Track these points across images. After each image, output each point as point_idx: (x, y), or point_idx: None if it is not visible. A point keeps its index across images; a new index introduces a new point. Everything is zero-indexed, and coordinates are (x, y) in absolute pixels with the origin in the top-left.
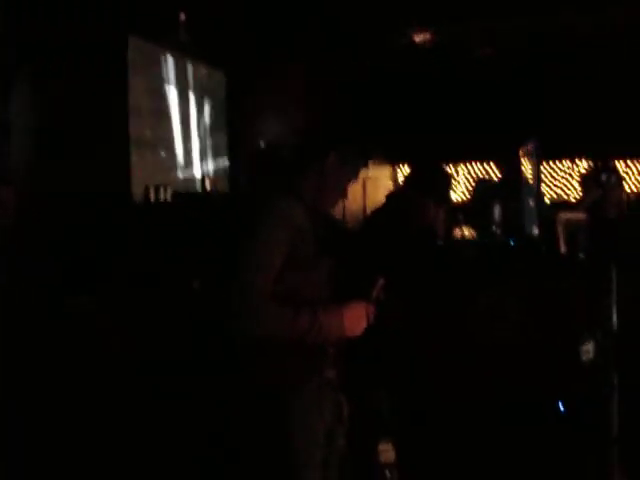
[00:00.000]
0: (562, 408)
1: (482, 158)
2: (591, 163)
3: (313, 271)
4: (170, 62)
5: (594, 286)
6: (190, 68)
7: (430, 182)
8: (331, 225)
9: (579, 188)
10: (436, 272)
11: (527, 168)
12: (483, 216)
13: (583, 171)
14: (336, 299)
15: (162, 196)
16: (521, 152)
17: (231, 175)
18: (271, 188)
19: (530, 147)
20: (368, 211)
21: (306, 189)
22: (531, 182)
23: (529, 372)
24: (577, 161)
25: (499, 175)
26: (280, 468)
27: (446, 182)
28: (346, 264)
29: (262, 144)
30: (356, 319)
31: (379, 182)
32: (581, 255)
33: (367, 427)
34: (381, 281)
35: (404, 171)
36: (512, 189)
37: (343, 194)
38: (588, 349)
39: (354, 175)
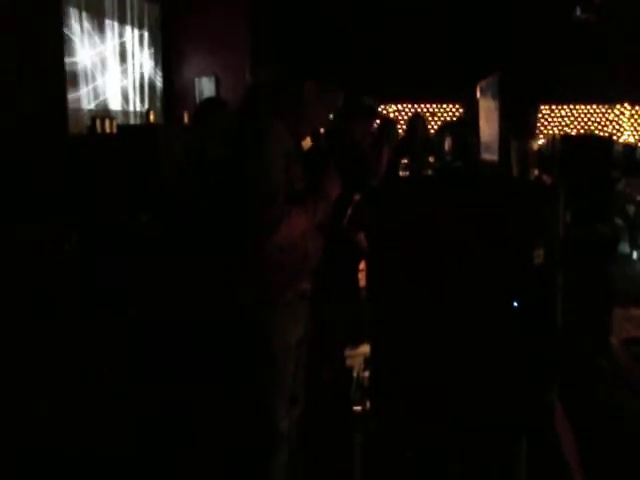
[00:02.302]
0: (515, 304)
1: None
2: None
3: (300, 186)
4: None
5: (543, 202)
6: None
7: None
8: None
9: None
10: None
11: (487, 104)
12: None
13: None
14: None
15: (107, 129)
16: (479, 88)
17: (167, 107)
18: (259, 112)
19: (488, 83)
20: None
21: (288, 113)
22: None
23: (491, 274)
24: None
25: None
26: (260, 374)
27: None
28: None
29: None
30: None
31: None
32: (531, 177)
33: (336, 335)
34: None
35: None
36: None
37: (322, 122)
38: (539, 254)
39: (333, 104)
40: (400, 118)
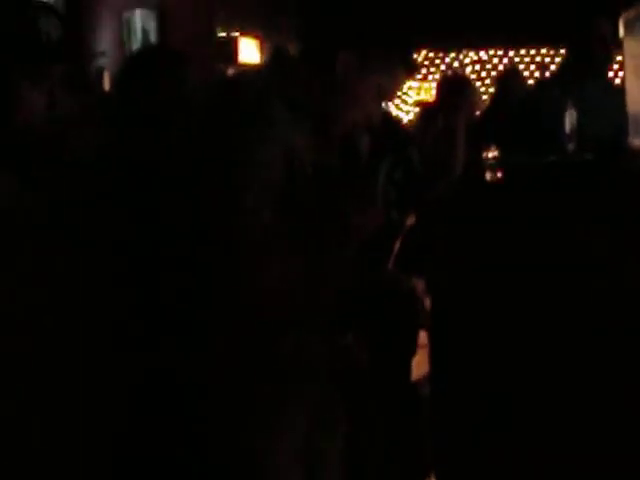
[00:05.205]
0: None
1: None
2: None
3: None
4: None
5: None
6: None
7: None
8: None
9: None
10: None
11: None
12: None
13: None
14: None
15: None
16: (622, 23)
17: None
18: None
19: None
20: None
21: (315, 98)
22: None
23: None
24: None
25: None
26: None
27: None
28: None
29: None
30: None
31: None
32: None
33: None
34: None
35: None
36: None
37: (371, 111)
38: None
39: (385, 88)
40: (485, 75)
